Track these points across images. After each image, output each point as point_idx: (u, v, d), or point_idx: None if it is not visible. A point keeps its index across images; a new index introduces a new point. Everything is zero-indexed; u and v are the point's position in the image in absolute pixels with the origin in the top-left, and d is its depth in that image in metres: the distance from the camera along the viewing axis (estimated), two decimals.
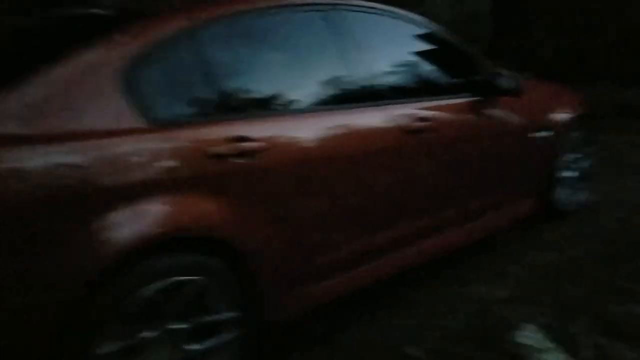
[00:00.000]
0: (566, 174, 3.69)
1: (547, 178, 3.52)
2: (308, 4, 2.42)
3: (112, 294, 1.73)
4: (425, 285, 2.95)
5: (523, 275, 3.09)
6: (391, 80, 2.61)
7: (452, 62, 2.96)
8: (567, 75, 6.70)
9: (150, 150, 1.81)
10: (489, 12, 11.36)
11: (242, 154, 1.98)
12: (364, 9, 2.59)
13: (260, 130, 2.04)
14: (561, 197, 3.68)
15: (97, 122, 1.75)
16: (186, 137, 1.89)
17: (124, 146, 1.77)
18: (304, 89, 2.34)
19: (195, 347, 1.96)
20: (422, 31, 2.83)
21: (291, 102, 2.29)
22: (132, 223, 1.75)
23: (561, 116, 3.52)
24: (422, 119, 2.59)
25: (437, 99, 2.81)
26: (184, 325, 1.91)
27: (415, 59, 2.83)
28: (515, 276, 3.08)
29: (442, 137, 2.70)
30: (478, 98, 2.96)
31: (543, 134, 3.37)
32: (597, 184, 4.28)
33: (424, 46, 2.86)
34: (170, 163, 1.84)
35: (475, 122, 2.90)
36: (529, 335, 2.49)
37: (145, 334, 1.84)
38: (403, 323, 2.60)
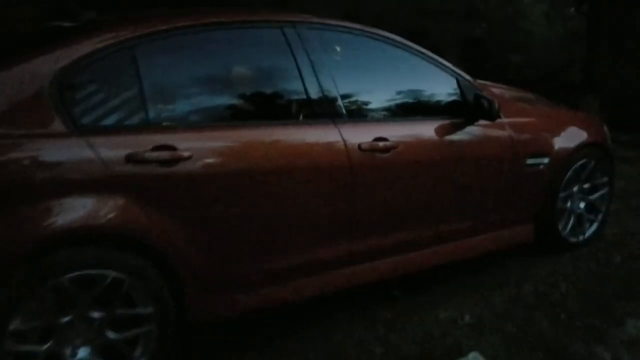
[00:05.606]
0: (571, 204, 3.51)
1: (547, 207, 3.37)
2: (262, 21, 2.55)
3: (29, 277, 1.95)
4: (398, 305, 2.95)
5: (499, 304, 2.99)
6: (351, 98, 2.65)
7: (429, 82, 2.94)
8: None
9: (73, 153, 2.01)
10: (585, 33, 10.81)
11: (166, 161, 2.13)
12: (327, 27, 2.66)
13: (187, 139, 2.18)
14: (567, 229, 3.51)
15: (27, 126, 1.98)
16: (108, 143, 2.07)
17: (51, 148, 2.00)
18: (239, 102, 2.46)
19: (115, 335, 2.14)
20: (396, 50, 2.83)
21: (223, 114, 2.42)
22: (50, 216, 1.97)
23: (564, 144, 3.35)
24: (382, 139, 2.62)
25: (406, 120, 2.84)
26: (101, 314, 2.11)
27: (383, 78, 2.84)
28: (491, 304, 2.99)
29: (407, 158, 2.70)
30: (456, 120, 2.92)
31: (537, 160, 3.23)
32: (616, 217, 4.03)
33: (395, 65, 2.86)
34: (92, 166, 2.03)
35: (448, 144, 2.86)
36: None
37: (63, 318, 2.05)
38: (362, 338, 2.67)
